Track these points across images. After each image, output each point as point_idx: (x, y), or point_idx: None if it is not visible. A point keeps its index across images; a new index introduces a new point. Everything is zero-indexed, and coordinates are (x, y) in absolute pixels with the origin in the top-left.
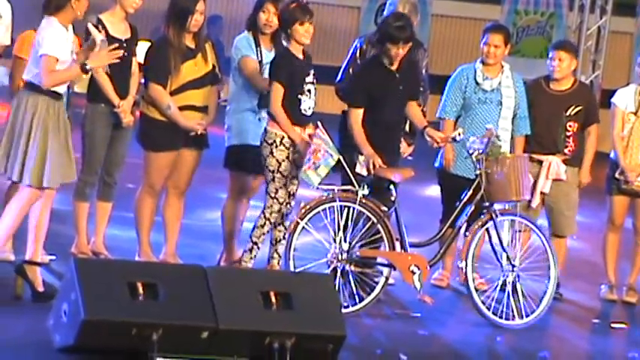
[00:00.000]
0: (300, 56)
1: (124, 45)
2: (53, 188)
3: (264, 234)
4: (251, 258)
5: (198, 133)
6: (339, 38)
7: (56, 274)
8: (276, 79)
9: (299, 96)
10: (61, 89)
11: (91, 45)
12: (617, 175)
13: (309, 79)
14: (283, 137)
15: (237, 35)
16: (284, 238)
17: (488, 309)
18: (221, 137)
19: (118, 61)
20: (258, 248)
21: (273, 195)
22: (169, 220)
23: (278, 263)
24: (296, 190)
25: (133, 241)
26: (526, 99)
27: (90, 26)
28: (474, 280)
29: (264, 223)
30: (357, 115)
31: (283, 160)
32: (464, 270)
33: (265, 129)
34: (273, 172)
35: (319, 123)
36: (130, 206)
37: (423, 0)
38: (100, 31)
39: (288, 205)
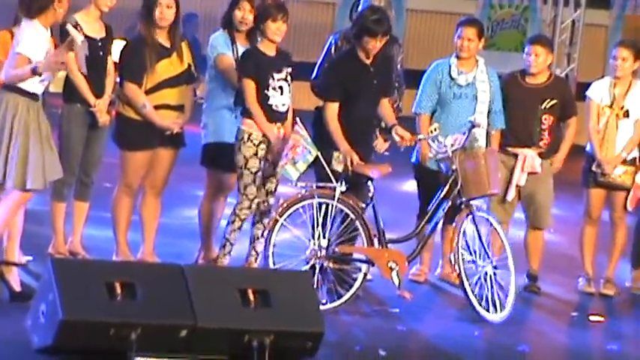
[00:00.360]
0: (272, 53)
1: (99, 44)
2: (37, 190)
3: (235, 231)
4: (225, 255)
5: (174, 132)
6: (315, 34)
7: (34, 275)
8: (245, 75)
9: (265, 92)
10: (38, 89)
11: (69, 45)
12: (593, 168)
13: (280, 75)
14: (251, 134)
15: (213, 33)
16: (262, 235)
17: (480, 302)
18: (198, 135)
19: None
20: (232, 245)
21: (242, 191)
22: (147, 219)
23: (256, 261)
24: (275, 188)
25: (110, 240)
26: (501, 93)
27: (70, 27)
28: (465, 273)
29: (234, 220)
30: (332, 109)
31: (251, 157)
32: (456, 263)
33: (238, 127)
34: (241, 167)
35: (297, 119)
36: (107, 206)
37: None
38: (79, 32)
39: (266, 203)
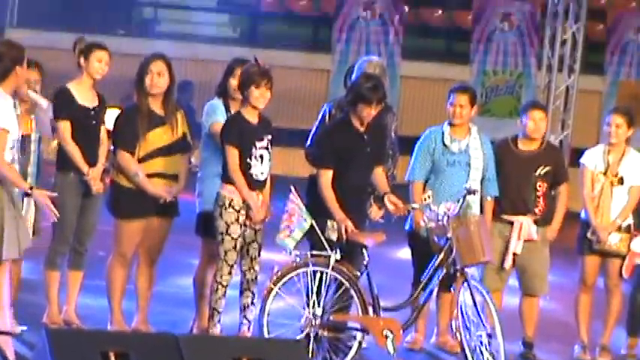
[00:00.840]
0: (254, 120)
1: (92, 113)
2: (10, 260)
3: (220, 298)
4: (215, 324)
5: (167, 200)
6: (309, 101)
7: (28, 345)
8: (228, 142)
9: (248, 160)
10: (9, 157)
11: (32, 108)
12: (589, 235)
13: (262, 144)
14: (232, 200)
15: (208, 100)
16: (252, 303)
17: None
18: (192, 203)
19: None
20: (219, 313)
21: (222, 257)
22: (141, 288)
23: (248, 329)
24: (258, 253)
25: (104, 309)
26: (494, 159)
27: (31, 93)
28: (467, 341)
29: (217, 288)
30: (327, 178)
31: (232, 223)
32: (457, 331)
33: (217, 192)
34: (222, 233)
35: (292, 187)
36: (102, 274)
37: (392, 62)
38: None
39: (252, 270)
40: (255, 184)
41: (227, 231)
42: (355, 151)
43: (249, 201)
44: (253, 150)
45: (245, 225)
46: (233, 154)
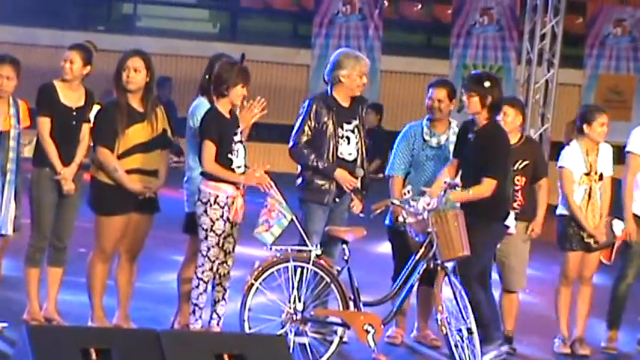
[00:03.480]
0: (228, 115)
1: (74, 113)
2: None
3: (202, 294)
4: (196, 320)
5: (146, 196)
6: (289, 97)
7: (9, 342)
8: (208, 137)
9: (229, 155)
10: None
11: None
12: (586, 240)
13: (237, 137)
14: (217, 196)
15: (189, 97)
16: (223, 298)
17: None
18: (176, 200)
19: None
20: (201, 309)
21: (205, 253)
22: (122, 284)
23: (218, 324)
24: (233, 248)
25: (85, 305)
26: None
27: None
28: (451, 331)
29: (199, 284)
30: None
31: (217, 219)
32: (443, 325)
33: (199, 188)
34: (206, 230)
35: (272, 183)
36: (82, 271)
37: (372, 56)
38: None
39: (225, 265)
40: None
41: (212, 228)
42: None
43: (238, 180)
44: (232, 145)
45: (228, 220)
46: (211, 148)
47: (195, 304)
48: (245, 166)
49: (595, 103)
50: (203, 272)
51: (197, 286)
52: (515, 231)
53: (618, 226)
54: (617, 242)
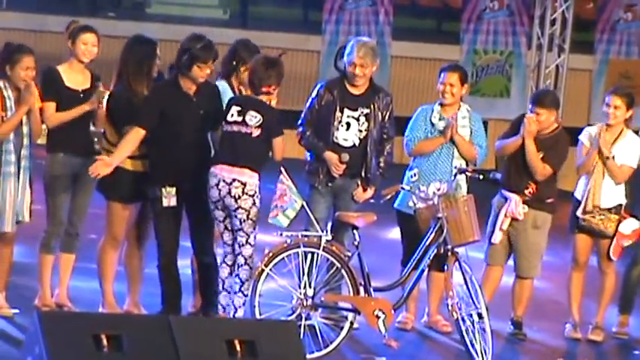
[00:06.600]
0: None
1: (81, 96)
2: None
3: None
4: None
5: None
6: (299, 83)
7: (20, 328)
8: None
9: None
10: None
11: None
12: (578, 214)
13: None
14: (246, 183)
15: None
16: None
17: (472, 346)
18: None
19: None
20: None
21: (253, 243)
22: (131, 270)
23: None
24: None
25: (96, 292)
26: (485, 134)
27: None
28: (462, 316)
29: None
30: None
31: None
32: (454, 310)
33: (243, 181)
34: (255, 221)
35: (282, 168)
36: (93, 257)
37: (382, 42)
38: None
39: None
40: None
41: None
42: (184, 112)
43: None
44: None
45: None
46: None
47: (245, 295)
48: None
49: (605, 88)
50: (251, 257)
51: (249, 278)
52: (523, 217)
53: (626, 226)
54: (618, 240)
